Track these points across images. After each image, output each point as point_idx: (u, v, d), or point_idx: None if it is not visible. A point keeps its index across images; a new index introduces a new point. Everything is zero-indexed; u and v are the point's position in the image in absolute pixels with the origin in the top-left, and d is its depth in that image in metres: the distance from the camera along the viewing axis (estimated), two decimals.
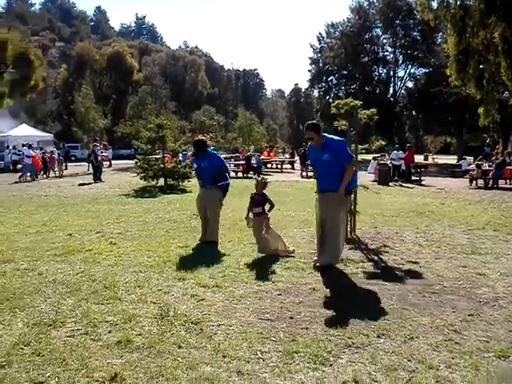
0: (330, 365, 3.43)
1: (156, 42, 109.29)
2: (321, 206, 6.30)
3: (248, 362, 3.46)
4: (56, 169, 24.57)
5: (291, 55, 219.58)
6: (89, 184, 19.59)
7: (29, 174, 21.82)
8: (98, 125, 36.54)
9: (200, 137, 8.60)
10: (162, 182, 17.50)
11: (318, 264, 6.09)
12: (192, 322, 4.16)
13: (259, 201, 7.00)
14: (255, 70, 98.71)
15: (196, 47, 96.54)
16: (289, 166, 31.93)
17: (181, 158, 22.90)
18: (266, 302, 4.78)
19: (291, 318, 4.36)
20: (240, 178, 22.79)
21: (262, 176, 8.18)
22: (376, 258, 6.69)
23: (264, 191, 7.16)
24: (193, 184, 17.54)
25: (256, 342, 3.78)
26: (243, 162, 24.79)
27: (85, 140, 37.12)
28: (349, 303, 4.76)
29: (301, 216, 10.28)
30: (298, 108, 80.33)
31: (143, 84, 56.65)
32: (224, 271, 5.84)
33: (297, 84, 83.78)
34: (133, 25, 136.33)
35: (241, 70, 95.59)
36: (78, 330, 3.98)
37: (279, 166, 30.40)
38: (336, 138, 6.26)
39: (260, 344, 3.76)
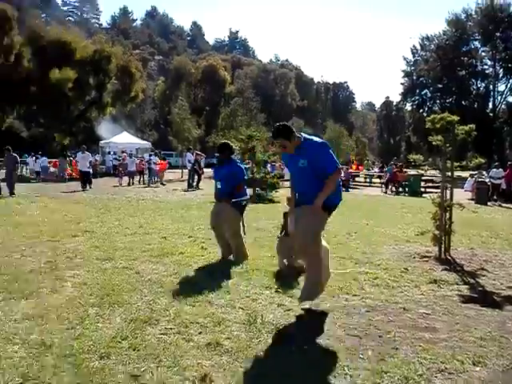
0: None
1: (248, 56, 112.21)
2: (296, 224, 4.99)
3: (335, 376, 3.43)
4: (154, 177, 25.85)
5: (382, 68, 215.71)
6: (181, 190, 20.46)
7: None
8: (192, 135, 38.04)
9: (225, 141, 7.60)
10: (250, 191, 17.82)
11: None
12: (278, 331, 4.19)
13: None
14: (345, 82, 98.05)
15: (286, 60, 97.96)
16: (378, 180, 31.18)
17: (269, 168, 23.26)
18: (354, 318, 4.69)
19: (380, 336, 4.24)
20: None
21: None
22: (472, 280, 6.33)
23: None
24: (281, 194, 17.74)
25: (343, 358, 3.73)
26: None
27: (179, 149, 38.81)
28: (442, 327, 4.54)
29: (391, 232, 10.01)
30: (388, 121, 78.42)
31: (235, 96, 58.22)
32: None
33: (388, 97, 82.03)
34: (226, 39, 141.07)
35: (330, 82, 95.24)
36: (170, 328, 4.17)
37: (367, 180, 29.83)
38: (317, 139, 4.92)
39: (348, 360, 3.70)
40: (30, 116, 47.63)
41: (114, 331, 4.02)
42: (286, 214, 6.76)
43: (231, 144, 7.23)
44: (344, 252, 7.74)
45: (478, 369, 3.64)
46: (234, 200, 6.89)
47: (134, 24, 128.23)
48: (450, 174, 7.97)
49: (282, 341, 4.02)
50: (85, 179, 20.77)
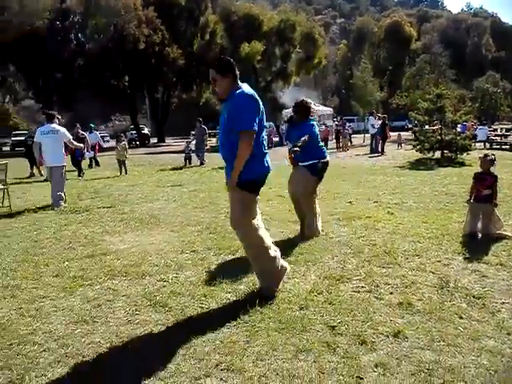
0: None
1: (436, 8, 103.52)
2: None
3: None
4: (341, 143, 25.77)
5: None
6: (365, 155, 20.34)
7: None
8: (375, 98, 37.15)
9: (303, 100, 6.38)
10: (438, 154, 16.92)
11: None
12: (473, 296, 4.09)
13: (489, 182, 6.16)
14: None
15: (481, 8, 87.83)
16: None
17: (459, 129, 21.64)
18: None
19: None
20: None
21: (488, 152, 6.98)
22: None
23: (492, 170, 6.26)
24: (473, 157, 16.45)
25: None
26: None
27: (361, 113, 38.29)
28: None
29: None
30: None
31: (421, 53, 54.71)
32: (510, 250, 5.45)
33: None
34: None
35: None
36: (362, 287, 4.39)
37: None
38: (249, 90, 3.90)
39: None
40: None
41: (310, 286, 4.39)
42: (474, 178, 6.40)
43: (309, 103, 6.35)
44: None
45: None
46: (307, 163, 6.22)
47: None
48: None
49: (472, 303, 3.94)
50: None
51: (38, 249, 6.00)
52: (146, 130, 46.31)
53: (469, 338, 3.37)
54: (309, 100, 6.40)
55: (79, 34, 40.59)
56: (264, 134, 4.10)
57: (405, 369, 2.98)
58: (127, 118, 58.20)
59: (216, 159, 19.41)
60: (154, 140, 45.80)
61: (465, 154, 16.37)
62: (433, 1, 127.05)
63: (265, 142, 4.14)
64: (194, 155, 18.42)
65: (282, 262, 4.30)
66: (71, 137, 9.73)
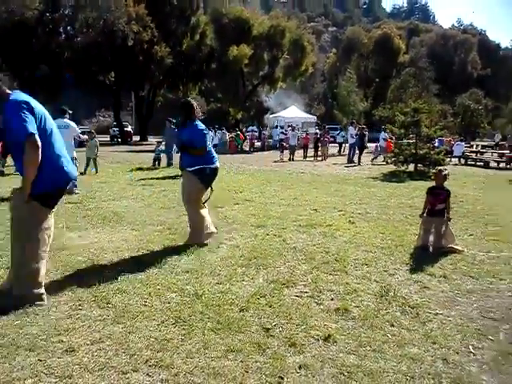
0: None
1: (427, 22, 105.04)
2: None
3: (457, 353, 3.45)
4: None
5: None
6: (341, 165, 20.61)
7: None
8: (357, 108, 37.61)
9: (188, 100, 6.40)
10: (412, 167, 17.25)
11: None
12: (409, 306, 4.28)
13: (442, 196, 6.42)
14: None
15: (470, 25, 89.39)
16: None
17: (436, 143, 22.09)
18: (493, 301, 4.53)
19: None
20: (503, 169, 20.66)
21: (442, 167, 7.28)
22: None
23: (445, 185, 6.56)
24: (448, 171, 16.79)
25: (471, 337, 3.71)
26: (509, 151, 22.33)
27: (344, 122, 38.72)
28: None
29: None
30: None
31: (408, 66, 55.50)
32: (456, 264, 5.67)
33: None
34: (405, 5, 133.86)
35: None
36: (305, 292, 4.55)
37: None
38: (20, 99, 3.71)
39: (475, 340, 3.67)
40: (209, 92, 51.80)
41: (256, 289, 4.54)
42: (428, 193, 6.64)
43: (192, 103, 6.17)
44: (504, 236, 7.21)
45: None
46: (193, 168, 6.00)
47: None
48: None
49: (406, 312, 4.12)
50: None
51: None
52: (129, 128, 46.16)
53: (395, 344, 3.54)
54: (193, 101, 6.27)
55: (68, 27, 40.35)
56: (57, 137, 3.96)
57: (327, 371, 3.13)
58: (112, 115, 57.87)
59: None
60: (136, 138, 45.67)
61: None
62: (425, 14, 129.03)
63: (59, 145, 3.97)
64: (164, 156, 18.07)
65: None
66: (79, 131, 10.86)
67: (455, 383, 3.06)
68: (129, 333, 3.51)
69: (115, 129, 43.97)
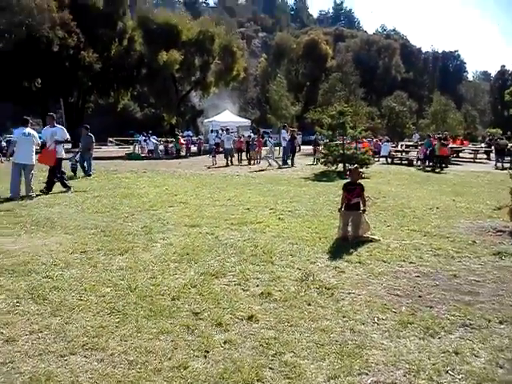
0: (439, 338, 3.73)
1: (352, 28, 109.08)
2: None
3: (363, 323, 3.97)
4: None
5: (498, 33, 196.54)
6: (275, 167, 21.23)
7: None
8: (289, 111, 38.73)
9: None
10: (341, 167, 18.14)
11: None
12: (325, 288, 4.78)
13: (357, 191, 7.05)
14: (456, 51, 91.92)
15: (393, 30, 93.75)
16: (484, 156, 29.55)
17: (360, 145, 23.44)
18: (401, 281, 5.12)
19: (420, 296, 4.66)
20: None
21: (355, 165, 8.04)
22: None
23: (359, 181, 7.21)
24: (372, 170, 17.84)
25: (377, 311, 4.24)
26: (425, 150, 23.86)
27: (277, 126, 39.71)
28: (486, 292, 4.81)
29: (475, 208, 9.92)
30: (503, 92, 72.35)
31: (335, 71, 57.61)
32: (371, 251, 6.26)
33: (504, 66, 75.62)
34: (331, 11, 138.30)
35: (439, 52, 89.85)
36: (233, 281, 4.94)
37: (472, 156, 28.45)
38: None
39: (380, 312, 4.21)
40: (142, 97, 51.31)
41: (187, 281, 4.88)
42: (344, 189, 7.24)
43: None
44: (417, 225, 7.97)
45: (502, 326, 3.96)
46: None
47: (240, 1, 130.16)
48: None
49: (323, 293, 4.62)
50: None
51: None
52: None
53: (310, 320, 4.01)
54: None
55: None
56: None
57: (248, 344, 3.53)
58: (41, 122, 55.77)
59: (129, 166, 19.58)
60: (68, 146, 44.30)
61: (365, 168, 17.72)
62: (350, 20, 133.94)
63: None
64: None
65: None
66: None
67: (358, 347, 3.55)
68: (66, 323, 3.75)
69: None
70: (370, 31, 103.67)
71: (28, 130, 11.03)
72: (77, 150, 17.81)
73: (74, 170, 16.15)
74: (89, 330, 3.66)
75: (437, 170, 19.88)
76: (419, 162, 22.74)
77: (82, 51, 37.22)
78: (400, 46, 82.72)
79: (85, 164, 16.05)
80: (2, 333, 3.56)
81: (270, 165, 21.36)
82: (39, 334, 3.55)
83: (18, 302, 4.18)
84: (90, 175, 15.65)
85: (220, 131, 30.34)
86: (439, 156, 20.92)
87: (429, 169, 20.42)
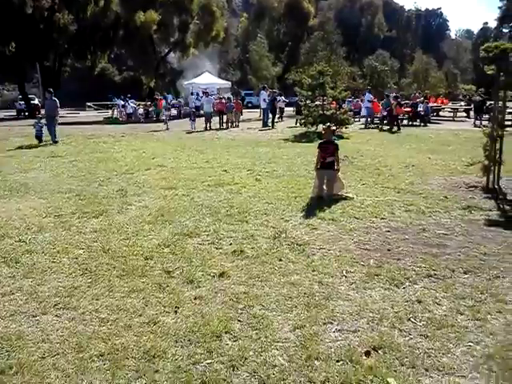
0: (403, 288, 3.87)
1: None
2: None
3: (332, 276, 4.08)
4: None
5: None
6: (256, 129, 21.11)
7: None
8: (270, 72, 38.21)
9: None
10: (320, 127, 18.09)
11: None
12: (297, 244, 4.88)
13: (330, 150, 7.14)
14: (439, 9, 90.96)
15: None
16: (464, 114, 29.68)
17: (346, 105, 23.33)
18: (371, 236, 5.25)
19: (388, 250, 4.80)
20: (407, 125, 22.12)
21: (328, 124, 8.14)
22: (508, 207, 6.53)
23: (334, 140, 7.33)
24: (351, 130, 17.88)
25: (346, 264, 4.36)
26: (409, 108, 23.90)
27: (258, 87, 39.17)
28: (453, 244, 4.96)
29: (450, 165, 10.07)
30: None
31: (317, 30, 56.58)
32: (344, 208, 6.37)
33: (486, 23, 75.17)
34: None
35: (423, 10, 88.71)
36: (207, 240, 5.01)
37: (452, 114, 28.57)
38: None
39: (349, 266, 4.33)
40: (120, 60, 50.02)
41: (160, 241, 4.93)
42: (318, 147, 7.28)
43: None
44: (392, 183, 8.10)
45: (466, 276, 4.11)
46: None
47: None
48: (501, 103, 7.92)
49: (294, 249, 4.72)
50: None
51: None
52: (36, 101, 43.66)
53: (280, 274, 4.11)
54: None
55: None
56: None
57: (218, 299, 3.63)
58: (17, 88, 54.32)
59: (107, 130, 19.32)
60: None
61: (344, 128, 17.73)
62: None
63: None
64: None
65: None
66: None
67: (325, 299, 3.67)
68: (38, 285, 3.80)
69: (21, 102, 41.43)
70: None
71: None
72: (40, 116, 16.68)
73: (38, 137, 15.20)
74: (61, 290, 3.71)
75: (393, 130, 19.66)
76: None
77: (56, 13, 35.86)
78: (383, 4, 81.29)
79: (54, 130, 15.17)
80: None
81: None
82: (11, 296, 3.60)
83: None
84: (56, 142, 14.89)
85: (200, 94, 29.88)
86: (395, 116, 20.70)
87: (385, 128, 20.27)
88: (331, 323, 3.30)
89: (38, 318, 3.29)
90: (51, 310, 3.38)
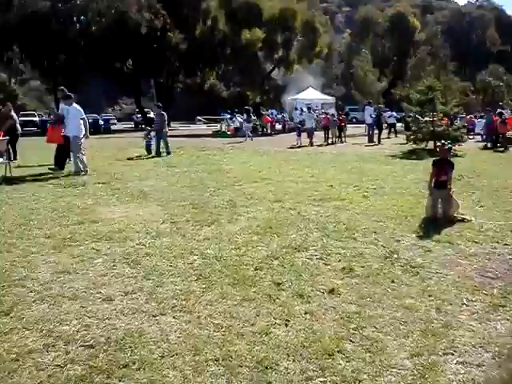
0: None
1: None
2: None
3: (451, 304, 3.83)
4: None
5: None
6: (361, 145, 20.74)
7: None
8: (375, 87, 37.50)
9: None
10: (431, 144, 17.34)
11: None
12: (411, 266, 4.66)
13: (446, 168, 6.72)
14: None
15: (487, 0, 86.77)
16: None
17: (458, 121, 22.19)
18: (494, 263, 4.86)
19: None
20: None
21: (443, 142, 7.59)
22: None
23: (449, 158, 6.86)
24: (465, 148, 16.86)
25: (466, 292, 4.07)
26: None
27: (363, 103, 38.60)
28: None
29: None
30: None
31: (424, 44, 54.55)
32: (462, 231, 5.98)
33: None
34: None
35: None
36: (315, 255, 4.97)
37: None
38: None
39: (469, 294, 4.03)
40: (227, 76, 51.99)
41: (269, 253, 4.98)
42: (433, 165, 6.95)
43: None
44: None
45: None
46: None
47: None
48: None
49: (408, 271, 4.51)
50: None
51: (35, 215, 6.63)
52: (151, 114, 46.75)
53: (393, 297, 3.94)
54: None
55: (81, 17, 41.07)
56: None
57: (329, 317, 3.56)
58: (133, 102, 58.63)
59: (216, 143, 20.10)
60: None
61: (457, 146, 16.81)
62: None
63: None
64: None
65: None
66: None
67: (444, 327, 3.44)
68: (157, 286, 4.03)
69: (138, 115, 44.66)
70: (460, 2, 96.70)
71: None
72: (149, 128, 17.46)
73: (148, 148, 15.77)
74: (178, 293, 3.89)
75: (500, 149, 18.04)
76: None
77: (168, 32, 38.33)
78: (494, 17, 76.63)
79: (161, 143, 15.69)
80: (101, 292, 3.89)
81: None
82: (133, 295, 3.84)
83: (114, 266, 4.54)
84: (169, 153, 15.50)
85: (304, 109, 30.06)
86: (498, 133, 19.00)
87: (489, 146, 18.72)
88: (452, 354, 3.08)
89: (157, 317, 3.47)
90: (169, 312, 3.56)
